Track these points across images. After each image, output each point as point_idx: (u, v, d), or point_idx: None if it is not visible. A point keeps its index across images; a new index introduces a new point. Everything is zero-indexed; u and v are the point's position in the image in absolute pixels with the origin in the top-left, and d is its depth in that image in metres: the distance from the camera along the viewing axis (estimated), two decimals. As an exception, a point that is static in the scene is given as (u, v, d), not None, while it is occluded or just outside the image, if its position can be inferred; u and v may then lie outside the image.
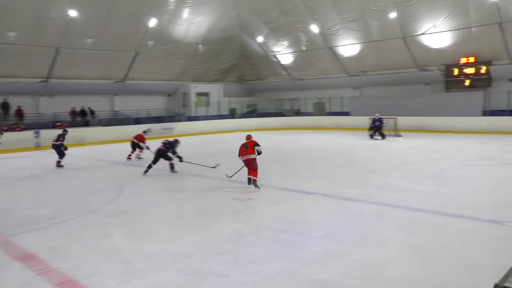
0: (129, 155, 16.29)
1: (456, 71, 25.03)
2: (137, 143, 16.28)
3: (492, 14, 21.63)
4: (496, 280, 1.75)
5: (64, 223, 7.69)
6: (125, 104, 30.04)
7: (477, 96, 24.03)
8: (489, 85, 24.20)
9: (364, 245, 6.10)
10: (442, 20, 23.67)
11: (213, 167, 12.38)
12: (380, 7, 24.84)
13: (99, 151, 18.44)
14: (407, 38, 25.55)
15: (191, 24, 28.94)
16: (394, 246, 6.02)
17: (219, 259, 5.67)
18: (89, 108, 27.63)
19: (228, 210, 8.30)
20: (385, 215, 7.66)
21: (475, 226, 6.86)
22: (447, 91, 25.83)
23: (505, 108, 23.57)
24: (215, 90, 34.24)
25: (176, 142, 12.81)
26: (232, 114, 34.21)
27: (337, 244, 6.16)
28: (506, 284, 1.72)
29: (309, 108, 33.64)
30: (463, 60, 24.65)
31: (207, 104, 33.42)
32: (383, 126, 21.69)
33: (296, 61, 32.65)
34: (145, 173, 12.61)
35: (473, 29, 23.26)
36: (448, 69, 25.34)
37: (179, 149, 12.76)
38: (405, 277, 4.98)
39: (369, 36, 27.04)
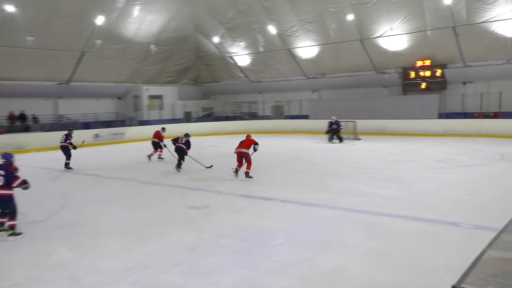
0: (151, 154, 16.42)
1: (412, 74, 25.71)
2: (158, 142, 16.23)
3: (446, 18, 22.23)
4: (454, 281, 1.79)
5: (2, 237, 7.09)
6: (71, 108, 28.52)
7: (433, 99, 24.78)
8: (444, 88, 24.99)
9: (325, 251, 6.06)
10: (399, 23, 24.22)
11: (207, 167, 13.44)
12: (338, 9, 25.08)
13: (42, 158, 17.34)
14: (365, 41, 25.96)
15: (142, 22, 28.10)
16: (355, 251, 6.01)
17: (175, 270, 5.46)
18: (32, 115, 26.01)
19: (184, 219, 7.97)
20: (345, 220, 7.64)
21: (434, 228, 6.95)
22: (404, 94, 26.50)
23: (459, 111, 24.33)
24: (169, 92, 33.34)
25: (186, 136, 13.52)
26: (187, 118, 33.35)
27: (298, 251, 6.07)
28: (463, 285, 1.75)
29: (267, 112, 33.51)
30: (419, 63, 25.34)
31: (161, 107, 32.52)
32: (341, 128, 21.83)
33: (253, 62, 32.43)
34: (178, 169, 13.28)
35: (428, 32, 23.96)
36: (405, 72, 26.01)
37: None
38: (367, 282, 5.02)
39: (327, 38, 27.26)
